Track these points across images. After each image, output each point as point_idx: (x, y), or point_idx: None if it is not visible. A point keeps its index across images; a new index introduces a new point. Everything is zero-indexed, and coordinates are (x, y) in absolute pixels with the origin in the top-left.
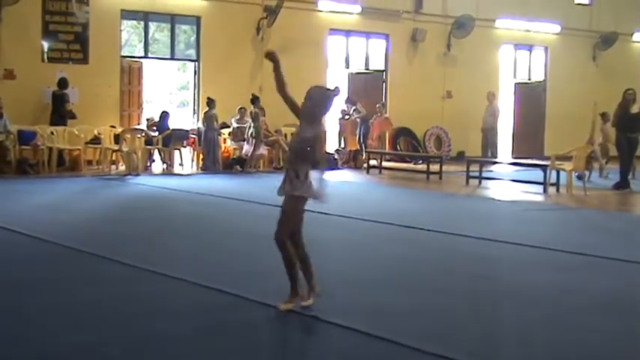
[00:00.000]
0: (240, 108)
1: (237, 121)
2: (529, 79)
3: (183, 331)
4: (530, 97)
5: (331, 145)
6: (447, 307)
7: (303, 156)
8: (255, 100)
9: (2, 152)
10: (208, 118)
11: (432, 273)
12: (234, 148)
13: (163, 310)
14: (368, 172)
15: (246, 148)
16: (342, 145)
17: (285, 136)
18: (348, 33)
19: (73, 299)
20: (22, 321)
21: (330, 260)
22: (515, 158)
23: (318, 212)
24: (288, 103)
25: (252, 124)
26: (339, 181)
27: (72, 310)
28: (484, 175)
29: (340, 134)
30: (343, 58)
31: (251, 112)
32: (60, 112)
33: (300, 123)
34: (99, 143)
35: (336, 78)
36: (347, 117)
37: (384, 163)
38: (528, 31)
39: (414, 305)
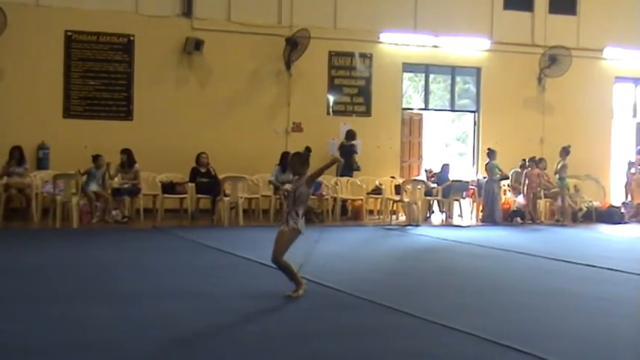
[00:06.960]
0: (523, 160)
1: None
2: None
3: None
4: None
5: (617, 198)
6: None
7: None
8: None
9: None
10: (489, 169)
11: None
12: (514, 200)
13: None
14: None
15: (520, 200)
16: (629, 199)
17: (568, 189)
18: (637, 81)
19: (357, 347)
20: None
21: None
22: None
23: (605, 268)
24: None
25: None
26: (626, 236)
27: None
28: None
29: (627, 187)
30: (630, 107)
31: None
32: (349, 163)
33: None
34: (380, 193)
35: (622, 127)
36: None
37: None
38: None
39: None
